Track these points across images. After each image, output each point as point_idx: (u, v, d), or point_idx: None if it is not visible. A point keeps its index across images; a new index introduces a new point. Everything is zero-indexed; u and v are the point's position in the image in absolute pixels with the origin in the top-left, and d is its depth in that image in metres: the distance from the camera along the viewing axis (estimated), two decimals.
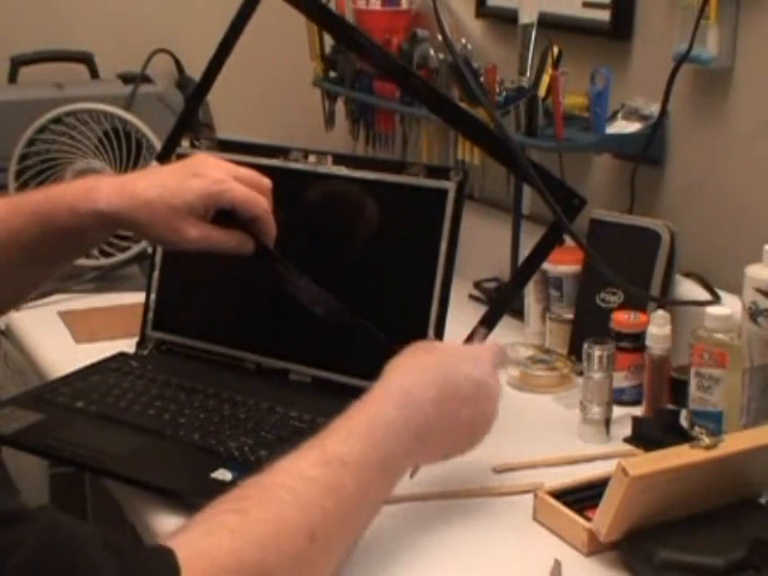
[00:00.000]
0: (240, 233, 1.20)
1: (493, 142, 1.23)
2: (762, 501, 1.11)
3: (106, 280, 1.81)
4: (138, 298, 1.51)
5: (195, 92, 1.46)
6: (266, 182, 1.23)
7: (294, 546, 0.85)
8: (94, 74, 2.10)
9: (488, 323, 1.21)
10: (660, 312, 1.34)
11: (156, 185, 1.16)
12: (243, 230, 1.20)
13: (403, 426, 0.99)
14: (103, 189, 1.15)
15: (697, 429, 1.25)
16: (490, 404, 1.08)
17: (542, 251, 1.25)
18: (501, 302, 1.27)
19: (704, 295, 1.44)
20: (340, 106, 2.01)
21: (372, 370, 1.05)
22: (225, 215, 1.18)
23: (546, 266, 1.56)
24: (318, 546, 0.87)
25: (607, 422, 1.31)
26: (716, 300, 1.40)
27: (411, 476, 1.09)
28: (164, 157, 1.41)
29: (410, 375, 1.04)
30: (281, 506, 0.86)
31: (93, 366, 1.41)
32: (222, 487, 0.93)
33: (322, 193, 1.39)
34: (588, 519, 1.06)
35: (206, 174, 1.18)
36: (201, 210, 1.16)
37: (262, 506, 0.86)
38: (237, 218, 1.19)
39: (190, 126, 1.42)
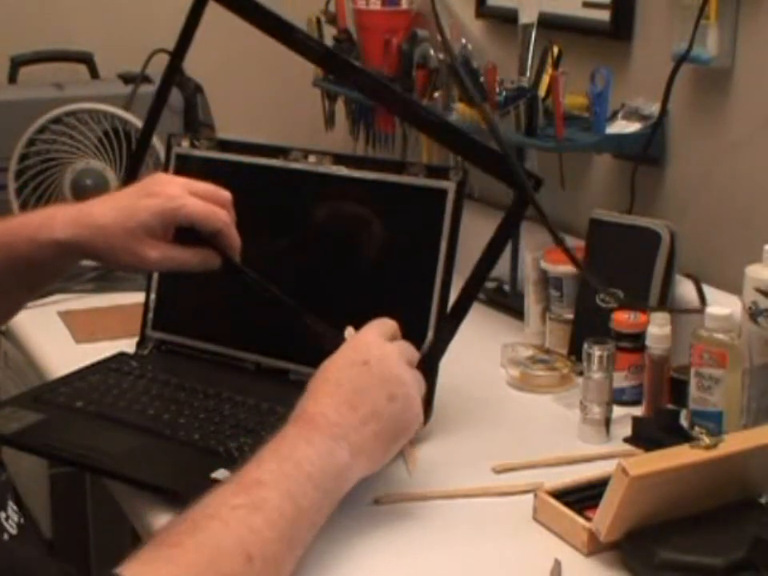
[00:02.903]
0: (203, 249, 1.19)
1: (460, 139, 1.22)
2: (762, 501, 1.11)
3: (106, 280, 1.81)
4: (138, 297, 1.51)
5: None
6: (225, 194, 1.21)
7: (232, 570, 0.86)
8: (94, 74, 2.10)
9: (455, 312, 1.21)
10: (660, 312, 1.34)
11: (110, 209, 1.16)
12: (207, 246, 1.19)
13: (317, 436, 1.01)
14: (60, 218, 1.15)
15: (697, 429, 1.25)
16: (414, 400, 1.09)
17: (506, 229, 1.23)
18: (465, 292, 1.23)
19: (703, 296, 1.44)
20: (340, 106, 2.01)
21: None
22: (186, 232, 1.17)
23: (545, 265, 1.57)
24: (257, 565, 0.88)
25: (607, 422, 1.31)
26: (703, 307, 1.39)
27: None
28: (131, 174, 1.39)
29: (327, 403, 1.04)
30: (212, 534, 0.87)
31: (93, 365, 1.41)
32: None
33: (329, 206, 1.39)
34: (588, 519, 1.06)
35: (161, 193, 1.17)
36: (158, 229, 1.15)
37: (195, 536, 0.86)
38: (197, 234, 1.18)
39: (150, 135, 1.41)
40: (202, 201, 1.18)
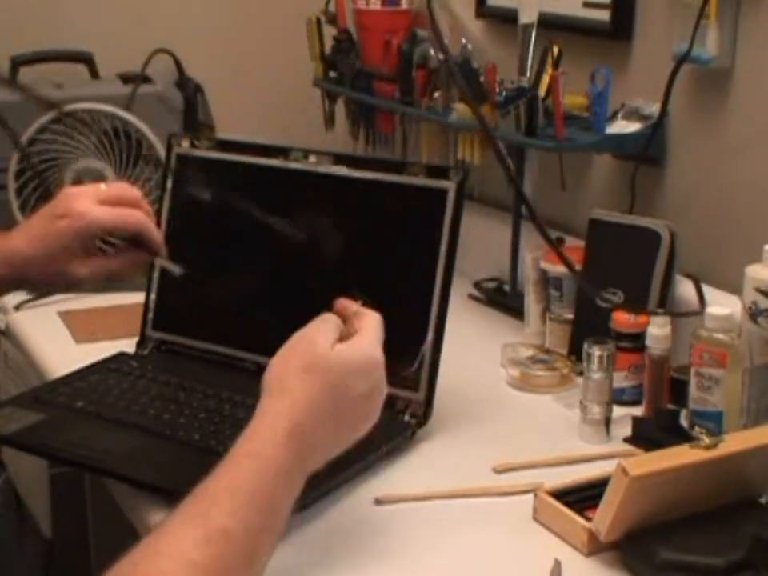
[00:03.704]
0: (130, 251, 1.25)
1: None
2: (762, 501, 1.11)
3: (106, 280, 1.80)
4: (138, 298, 1.51)
5: None
6: (133, 193, 1.25)
7: None
8: (94, 74, 2.09)
9: None
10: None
11: (30, 240, 1.20)
12: (133, 247, 1.25)
13: (297, 473, 0.92)
14: None
15: (697, 429, 1.25)
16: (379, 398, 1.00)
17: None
18: None
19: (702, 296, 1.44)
20: (340, 106, 2.01)
21: None
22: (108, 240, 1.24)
23: (545, 265, 1.57)
24: None
25: (607, 422, 1.31)
26: (702, 309, 1.38)
27: None
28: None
29: (299, 412, 0.93)
30: None
31: (93, 365, 1.41)
32: None
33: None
34: (588, 519, 1.06)
35: (70, 212, 1.20)
36: (79, 247, 1.20)
37: None
38: (119, 239, 1.24)
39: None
40: (111, 208, 1.22)
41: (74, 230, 1.18)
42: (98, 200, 1.21)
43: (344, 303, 1.05)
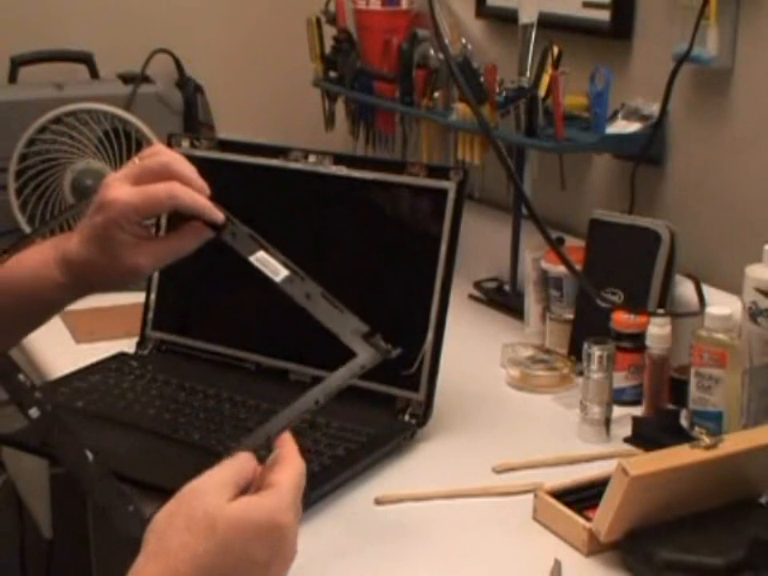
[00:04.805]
0: (187, 225, 1.09)
1: None
2: (762, 501, 1.11)
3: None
4: (138, 298, 1.51)
5: None
6: (163, 161, 1.08)
7: None
8: (94, 74, 2.09)
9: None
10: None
11: (82, 241, 1.08)
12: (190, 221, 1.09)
13: None
14: (54, 265, 1.10)
15: (697, 429, 1.25)
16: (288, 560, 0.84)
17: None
18: None
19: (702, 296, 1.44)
20: (340, 106, 2.01)
21: (372, 371, 1.05)
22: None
23: (545, 265, 1.57)
24: None
25: (607, 422, 1.31)
26: (702, 309, 1.39)
27: None
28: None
29: None
30: None
31: (93, 365, 1.41)
32: None
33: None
34: (588, 519, 1.06)
35: (102, 203, 1.07)
36: (127, 237, 1.07)
37: None
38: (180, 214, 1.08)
39: None
40: (142, 188, 1.06)
41: (111, 221, 1.06)
42: (131, 180, 1.07)
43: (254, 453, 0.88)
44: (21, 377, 0.95)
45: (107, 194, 1.07)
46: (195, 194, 1.07)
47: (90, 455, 0.95)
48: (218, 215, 1.08)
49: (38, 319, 1.18)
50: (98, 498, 0.94)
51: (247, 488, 0.84)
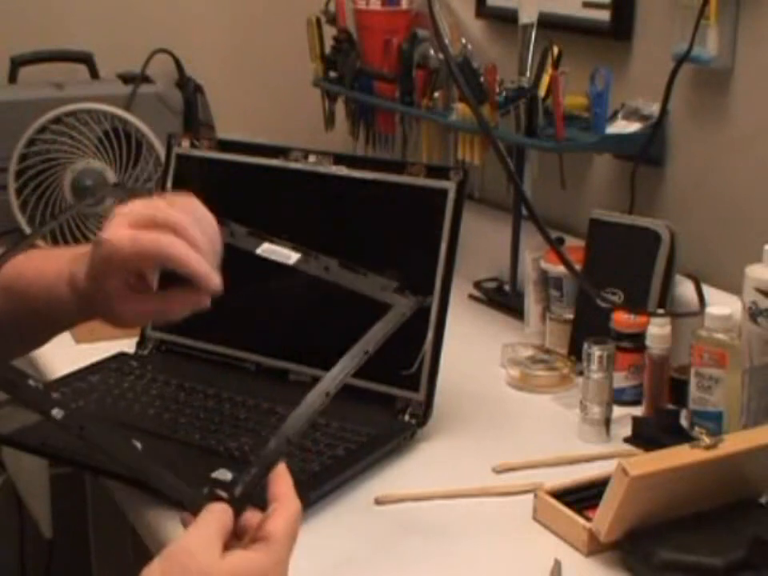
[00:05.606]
0: (176, 288, 0.99)
1: None
2: (762, 501, 1.11)
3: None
4: None
5: None
6: (167, 210, 0.96)
7: None
8: (94, 74, 2.10)
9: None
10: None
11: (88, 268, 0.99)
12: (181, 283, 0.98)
13: None
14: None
15: (697, 429, 1.25)
16: None
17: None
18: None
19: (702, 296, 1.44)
20: (340, 106, 2.01)
21: (372, 371, 1.05)
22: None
23: (545, 265, 1.57)
24: None
25: (607, 422, 1.31)
26: (702, 309, 1.39)
27: None
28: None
29: None
30: None
31: (93, 365, 1.41)
32: (222, 487, 0.93)
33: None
34: (588, 519, 1.06)
35: (99, 238, 0.97)
36: (117, 281, 0.98)
37: None
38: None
39: None
40: (136, 233, 0.95)
41: (101, 261, 0.97)
42: (131, 221, 0.96)
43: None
44: (31, 382, 0.89)
45: (106, 229, 0.98)
46: (191, 253, 0.94)
47: (138, 444, 0.90)
48: (214, 283, 0.95)
49: (48, 332, 1.16)
50: (166, 489, 0.88)
51: (230, 539, 0.81)
